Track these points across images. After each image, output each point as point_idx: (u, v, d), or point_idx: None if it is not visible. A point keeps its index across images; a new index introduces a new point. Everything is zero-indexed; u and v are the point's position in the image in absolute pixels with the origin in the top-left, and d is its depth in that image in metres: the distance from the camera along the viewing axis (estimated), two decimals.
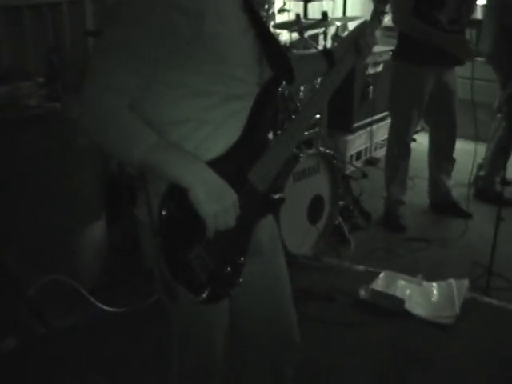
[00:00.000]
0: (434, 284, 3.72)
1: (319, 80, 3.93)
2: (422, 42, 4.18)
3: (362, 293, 3.64)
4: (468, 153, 5.06)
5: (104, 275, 3.65)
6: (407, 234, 4.54)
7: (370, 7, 2.09)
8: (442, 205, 4.90)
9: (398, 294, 3.58)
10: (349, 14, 6.55)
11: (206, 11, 1.60)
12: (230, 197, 1.64)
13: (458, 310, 3.45)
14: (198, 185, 1.58)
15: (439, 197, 4.92)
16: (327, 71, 1.99)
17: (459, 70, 4.59)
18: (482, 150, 5.11)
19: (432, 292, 3.65)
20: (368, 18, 2.08)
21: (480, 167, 5.26)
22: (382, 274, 3.79)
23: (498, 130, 4.99)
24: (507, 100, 4.24)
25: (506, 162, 4.21)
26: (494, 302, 3.65)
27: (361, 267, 4.00)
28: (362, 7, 6.85)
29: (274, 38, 1.86)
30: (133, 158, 1.57)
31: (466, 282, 3.68)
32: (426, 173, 5.00)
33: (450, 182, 4.88)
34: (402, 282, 3.72)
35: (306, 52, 4.93)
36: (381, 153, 6.08)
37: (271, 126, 1.84)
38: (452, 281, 3.70)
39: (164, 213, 1.62)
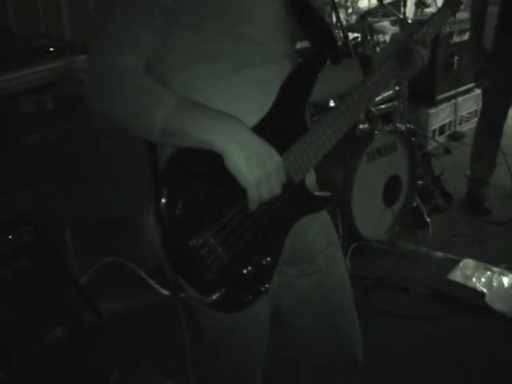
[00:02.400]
0: None
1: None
2: None
3: (438, 283, 3.38)
4: None
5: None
6: (492, 219, 4.20)
7: None
8: None
9: (479, 285, 3.31)
10: None
11: None
12: (274, 159, 1.38)
13: None
14: (236, 147, 1.33)
15: None
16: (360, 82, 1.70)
17: None
18: None
19: None
20: None
21: None
22: (461, 263, 3.52)
23: None
24: None
25: None
26: None
27: (439, 254, 3.72)
28: None
29: (315, 13, 1.60)
30: (154, 125, 1.32)
31: None
32: None
33: None
34: (483, 272, 3.44)
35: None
36: (466, 127, 5.76)
37: (309, 108, 1.55)
38: None
39: (165, 185, 1.37)
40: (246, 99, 1.47)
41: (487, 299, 3.20)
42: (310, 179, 1.63)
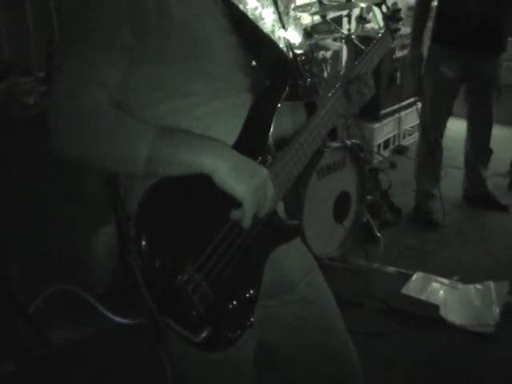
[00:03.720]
0: (472, 287, 3.44)
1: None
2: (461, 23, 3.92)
3: (392, 298, 3.37)
4: (503, 140, 4.77)
5: (115, 283, 3.42)
6: (440, 230, 4.24)
7: None
8: (476, 196, 4.60)
9: (432, 299, 3.32)
10: None
11: (173, 6, 1.37)
12: (261, 172, 1.37)
13: (497, 316, 3.17)
14: (224, 163, 1.31)
15: (474, 189, 4.61)
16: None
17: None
18: None
19: (469, 296, 3.37)
20: None
21: None
22: (413, 277, 3.54)
23: None
24: None
25: None
26: None
27: (391, 269, 3.73)
28: None
29: (270, 44, 1.62)
30: (139, 157, 1.27)
31: (505, 285, 3.40)
32: (457, 161, 4.70)
33: (486, 173, 4.56)
34: (436, 286, 3.46)
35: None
36: (409, 140, 5.83)
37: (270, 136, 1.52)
38: (490, 283, 3.42)
39: (142, 220, 1.32)
40: (219, 129, 1.44)
41: (441, 312, 3.21)
42: (280, 208, 1.61)
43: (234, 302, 1.42)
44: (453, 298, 3.36)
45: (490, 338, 3.09)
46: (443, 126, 4.34)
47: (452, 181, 4.78)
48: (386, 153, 5.57)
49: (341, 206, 3.80)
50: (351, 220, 3.91)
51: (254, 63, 1.61)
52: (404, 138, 5.85)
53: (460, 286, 3.46)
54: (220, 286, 1.39)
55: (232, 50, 1.51)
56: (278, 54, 1.61)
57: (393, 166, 5.32)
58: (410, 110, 5.72)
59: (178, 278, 1.32)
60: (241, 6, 5.58)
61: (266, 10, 5.42)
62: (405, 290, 3.41)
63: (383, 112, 5.45)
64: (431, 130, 4.33)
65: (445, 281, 3.50)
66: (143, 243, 1.30)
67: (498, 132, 4.66)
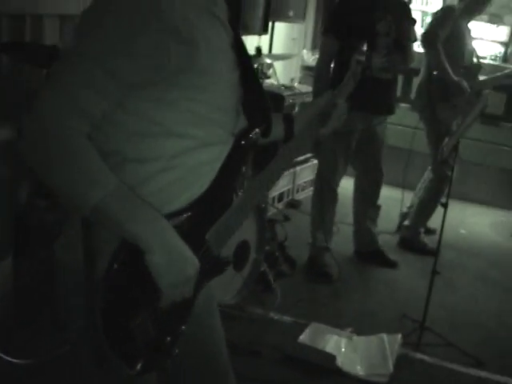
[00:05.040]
0: (365, 338, 3.52)
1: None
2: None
3: (289, 347, 3.39)
4: (392, 200, 4.97)
5: (7, 320, 3.26)
6: (333, 283, 4.33)
7: (294, 45, 1.89)
8: (368, 253, 4.75)
9: (328, 349, 3.36)
10: (274, 51, 6.41)
11: (200, 42, 1.38)
12: (193, 267, 1.40)
13: (391, 367, 3.25)
14: (160, 250, 1.33)
15: (364, 244, 4.77)
16: (284, 140, 1.80)
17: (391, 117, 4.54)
18: (408, 197, 5.06)
19: (364, 347, 3.45)
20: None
21: (404, 216, 5.20)
22: (309, 327, 3.57)
23: (425, 181, 4.96)
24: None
25: (432, 213, 4.11)
26: (427, 358, 3.49)
27: (287, 318, 3.76)
28: (286, 45, 6.74)
29: (257, 83, 1.65)
30: (85, 203, 1.28)
31: (398, 337, 3.50)
32: (350, 218, 4.84)
33: (376, 229, 4.74)
34: (331, 336, 3.50)
35: None
36: (302, 195, 5.95)
37: (238, 183, 1.59)
38: (384, 335, 3.51)
39: (115, 267, 1.36)
40: (195, 179, 1.48)
41: (337, 362, 3.26)
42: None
43: (169, 338, 1.51)
44: (348, 348, 3.42)
45: None
46: (340, 178, 4.50)
47: (344, 236, 4.92)
48: (280, 206, 5.67)
49: (240, 255, 3.81)
50: (249, 269, 3.92)
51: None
52: (297, 192, 5.98)
53: (355, 337, 3.53)
54: (161, 325, 1.48)
55: (234, 91, 1.53)
56: (262, 98, 1.64)
57: (286, 218, 5.39)
58: (305, 165, 5.87)
59: (133, 322, 1.41)
60: None
61: None
62: (301, 340, 3.44)
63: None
64: (324, 186, 4.49)
65: (340, 332, 3.57)
66: (108, 295, 1.38)
67: (386, 192, 4.87)
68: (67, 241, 1.56)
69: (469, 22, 4.88)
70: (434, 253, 3.67)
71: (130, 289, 1.40)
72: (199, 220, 1.47)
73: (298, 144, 1.76)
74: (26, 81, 4.17)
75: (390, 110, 4.43)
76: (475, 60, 4.93)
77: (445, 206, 3.51)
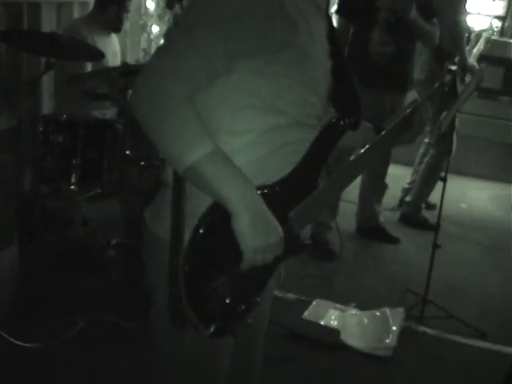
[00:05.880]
0: (369, 313, 3.57)
1: None
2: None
3: (293, 323, 3.44)
4: (395, 177, 5.00)
5: (15, 305, 3.31)
6: (337, 260, 4.38)
7: None
8: (369, 229, 4.80)
9: (332, 324, 3.41)
10: None
11: (300, 23, 1.45)
12: (277, 234, 1.44)
13: (395, 340, 3.30)
14: (247, 214, 1.38)
15: (366, 221, 4.82)
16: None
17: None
18: (407, 174, 5.09)
19: (367, 322, 3.50)
20: None
21: (406, 192, 5.23)
22: (313, 303, 3.62)
23: (425, 155, 4.98)
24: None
25: (433, 188, 4.15)
26: (430, 331, 3.55)
27: (291, 296, 3.81)
28: None
29: (349, 77, 1.69)
30: (182, 161, 1.36)
31: (400, 311, 3.55)
32: (350, 196, 4.87)
33: (379, 207, 4.79)
34: (335, 312, 3.56)
35: None
36: None
37: (324, 168, 1.63)
38: (386, 309, 3.56)
39: (201, 232, 1.41)
40: (283, 157, 1.53)
41: (342, 337, 3.31)
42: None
43: (243, 306, 1.55)
44: (351, 323, 3.47)
45: (388, 360, 3.22)
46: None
47: (345, 213, 4.95)
48: None
49: None
50: None
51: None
52: None
53: (358, 312, 3.59)
54: (239, 292, 1.52)
55: (327, 78, 1.59)
56: (352, 90, 1.68)
57: None
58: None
59: (214, 285, 1.46)
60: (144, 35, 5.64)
61: None
62: (305, 316, 3.49)
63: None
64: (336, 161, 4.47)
65: (343, 307, 3.62)
66: (197, 249, 1.42)
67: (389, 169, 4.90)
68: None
69: None
70: (435, 227, 3.71)
71: (214, 252, 1.45)
72: (284, 198, 1.51)
73: (380, 145, 1.77)
74: (25, 68, 4.20)
75: (403, 86, 4.43)
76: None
77: (444, 180, 3.55)
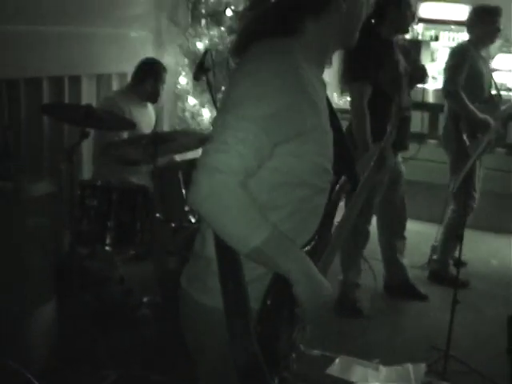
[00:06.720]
0: (391, 369, 3.64)
1: None
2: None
3: (318, 379, 3.54)
4: (422, 235, 5.09)
5: (53, 359, 3.50)
6: (362, 317, 4.48)
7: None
8: (398, 286, 4.87)
9: (355, 379, 3.50)
10: None
11: (318, 102, 1.68)
12: (329, 292, 1.67)
13: None
14: (306, 280, 1.60)
15: (396, 278, 4.88)
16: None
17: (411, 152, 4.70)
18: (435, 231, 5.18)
19: (389, 378, 3.57)
20: None
21: (434, 249, 5.31)
22: (337, 359, 3.71)
23: (447, 212, 5.07)
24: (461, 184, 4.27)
25: (459, 244, 4.22)
26: None
27: (316, 352, 3.90)
28: None
29: (345, 141, 1.90)
30: (248, 245, 1.55)
31: (422, 366, 3.61)
32: (378, 254, 4.98)
33: (405, 261, 4.86)
34: (358, 367, 3.64)
35: None
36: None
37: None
38: (409, 365, 3.62)
39: (269, 302, 1.62)
40: (308, 224, 1.74)
41: None
42: None
43: (294, 354, 1.81)
44: (375, 379, 3.56)
45: None
46: (371, 213, 4.61)
47: (375, 272, 5.04)
48: None
49: None
50: None
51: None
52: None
53: (381, 367, 3.67)
54: (292, 345, 1.77)
55: (332, 145, 1.79)
56: (348, 153, 1.91)
57: None
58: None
59: (279, 343, 1.69)
60: (179, 104, 5.92)
61: (203, 109, 5.78)
62: (329, 372, 3.58)
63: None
64: (359, 229, 4.52)
65: (367, 363, 3.70)
66: (264, 321, 1.63)
67: (413, 227, 5.01)
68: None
69: (482, 51, 5.05)
70: (465, 284, 3.76)
71: (280, 316, 1.66)
72: (313, 254, 1.70)
73: (361, 191, 1.95)
74: (65, 138, 4.49)
75: (407, 146, 4.56)
76: (494, 91, 5.07)
77: (460, 238, 3.63)
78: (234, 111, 1.58)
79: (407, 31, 4.47)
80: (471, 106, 4.75)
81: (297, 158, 1.65)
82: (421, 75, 4.42)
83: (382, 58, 4.20)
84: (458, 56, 4.96)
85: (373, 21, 4.00)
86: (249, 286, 1.61)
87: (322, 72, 1.82)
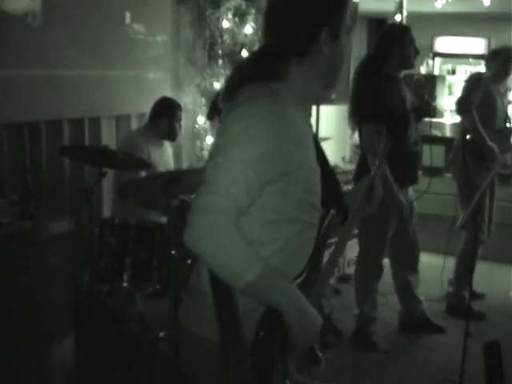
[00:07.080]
0: None
1: None
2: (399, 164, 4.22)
3: None
4: (437, 267, 5.13)
5: None
6: (378, 351, 4.51)
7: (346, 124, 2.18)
8: (415, 321, 4.85)
9: None
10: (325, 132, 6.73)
11: (304, 141, 1.77)
12: (319, 322, 1.75)
13: None
14: (297, 313, 1.68)
15: (412, 313, 4.86)
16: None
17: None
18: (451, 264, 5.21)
19: None
20: None
21: (450, 283, 5.32)
22: None
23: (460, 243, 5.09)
24: (470, 216, 4.30)
25: (471, 276, 4.26)
26: None
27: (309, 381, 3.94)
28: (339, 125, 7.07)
29: (333, 175, 2.00)
30: (242, 280, 1.63)
31: None
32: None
33: (420, 295, 4.86)
34: None
35: None
36: (353, 269, 6.11)
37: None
38: None
39: (261, 333, 1.70)
40: (299, 258, 1.83)
41: None
42: None
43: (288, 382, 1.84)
44: None
45: None
46: (385, 247, 4.63)
47: (391, 306, 5.09)
48: (332, 280, 5.87)
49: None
50: None
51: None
52: (348, 266, 6.18)
53: None
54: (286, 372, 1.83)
55: (319, 180, 1.87)
56: (337, 187, 2.01)
57: (337, 292, 5.61)
58: (354, 239, 6.07)
59: (273, 371, 1.74)
60: (197, 142, 6.04)
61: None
62: None
63: (329, 241, 5.76)
64: (373, 263, 4.62)
65: None
66: (258, 352, 1.70)
67: (425, 259, 5.04)
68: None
69: (499, 85, 5.16)
70: (481, 317, 3.75)
71: (273, 345, 1.72)
72: (304, 286, 1.79)
73: (352, 223, 2.02)
74: (84, 178, 4.61)
75: (417, 179, 4.61)
76: (508, 124, 5.14)
77: (471, 269, 3.66)
78: (225, 154, 1.68)
79: (412, 66, 4.53)
80: (481, 129, 4.83)
81: (285, 197, 1.74)
82: (427, 109, 4.49)
83: (390, 97, 4.28)
84: (475, 79, 5.10)
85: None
86: (242, 316, 1.69)
87: (309, 113, 1.94)
